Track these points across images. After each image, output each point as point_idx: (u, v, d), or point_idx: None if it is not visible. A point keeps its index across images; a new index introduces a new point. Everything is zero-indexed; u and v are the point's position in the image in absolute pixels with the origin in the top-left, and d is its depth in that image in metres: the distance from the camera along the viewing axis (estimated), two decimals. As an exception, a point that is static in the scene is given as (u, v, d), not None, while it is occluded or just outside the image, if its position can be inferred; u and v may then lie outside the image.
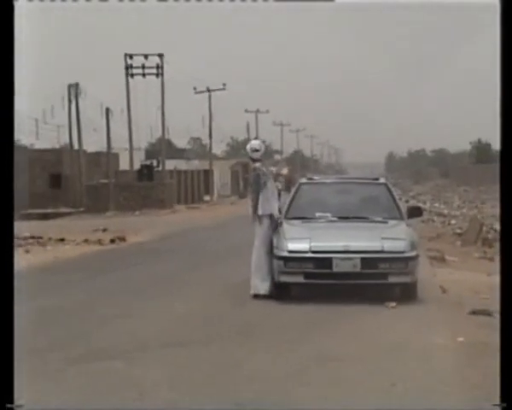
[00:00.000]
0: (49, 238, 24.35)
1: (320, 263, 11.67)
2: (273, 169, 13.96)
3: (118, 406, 6.53)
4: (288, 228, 12.26)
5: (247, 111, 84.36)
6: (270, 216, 12.66)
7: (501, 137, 4.90)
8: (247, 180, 13.47)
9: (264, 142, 14.08)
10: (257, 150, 12.74)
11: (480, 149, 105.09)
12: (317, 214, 12.75)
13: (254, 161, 12.65)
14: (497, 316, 11.25)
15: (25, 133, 47.84)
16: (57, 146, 51.15)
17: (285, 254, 11.76)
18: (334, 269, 11.63)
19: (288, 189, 13.84)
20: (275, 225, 12.54)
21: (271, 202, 12.74)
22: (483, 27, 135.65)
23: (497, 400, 4.95)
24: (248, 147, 13.11)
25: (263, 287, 12.14)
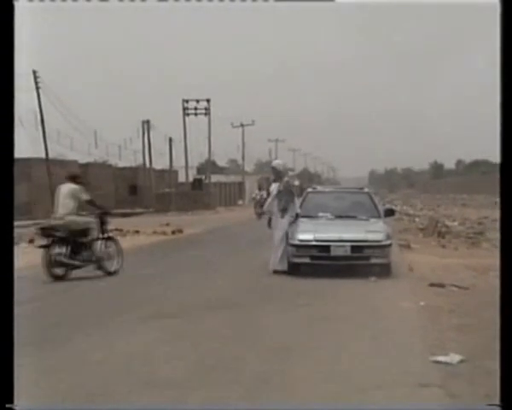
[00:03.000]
0: (128, 230, 25.02)
1: (321, 249, 12.18)
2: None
3: (174, 353, 6.45)
4: (298, 224, 12.81)
5: (269, 140, 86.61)
6: (297, 214, 13.14)
7: (501, 138, 4.06)
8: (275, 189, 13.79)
9: (284, 163, 14.54)
10: (279, 165, 13.24)
11: (436, 167, 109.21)
12: (320, 214, 13.28)
13: (278, 175, 13.01)
14: (449, 287, 10.86)
15: (111, 156, 48.76)
16: (134, 165, 51.68)
17: (296, 242, 12.31)
18: (332, 253, 12.11)
19: (299, 196, 14.14)
20: (290, 222, 12.89)
21: (292, 205, 13.19)
22: (483, 27, 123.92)
23: (497, 400, 4.12)
24: (273, 164, 13.72)
25: (280, 265, 12.49)
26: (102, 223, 12.63)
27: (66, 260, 11.88)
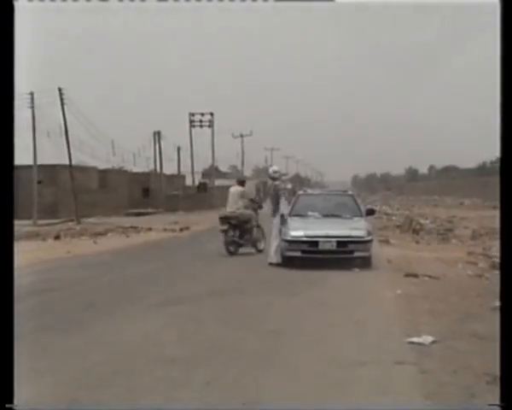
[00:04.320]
0: (142, 228, 25.02)
1: (311, 244, 12.15)
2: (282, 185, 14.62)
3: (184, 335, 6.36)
4: (290, 222, 12.79)
5: (265, 149, 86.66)
6: (282, 215, 13.15)
7: (501, 138, 3.70)
8: (267, 192, 13.96)
9: (280, 169, 14.71)
10: (275, 172, 13.28)
11: (410, 172, 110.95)
12: (309, 213, 13.19)
13: (274, 179, 13.12)
14: (423, 277, 10.78)
15: (127, 163, 48.97)
16: (147, 170, 51.76)
17: (289, 238, 12.32)
18: (320, 248, 12.09)
19: (291, 197, 14.19)
20: (284, 220, 12.88)
21: (283, 206, 13.35)
22: (483, 27, 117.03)
23: (497, 400, 3.77)
24: (270, 170, 13.78)
25: (276, 258, 12.50)
26: (256, 215, 14.95)
27: (237, 240, 14.56)
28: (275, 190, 13.26)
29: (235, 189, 14.99)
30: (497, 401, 3.53)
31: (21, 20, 4.28)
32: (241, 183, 15.29)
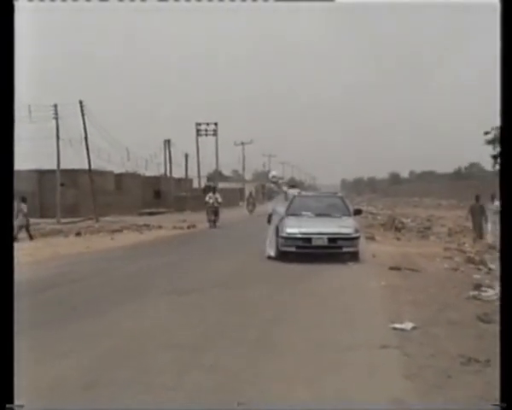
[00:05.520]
0: (153, 226, 24.85)
1: (304, 240, 12.13)
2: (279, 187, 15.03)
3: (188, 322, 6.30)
4: (286, 220, 12.70)
5: (264, 155, 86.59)
6: (271, 214, 13.43)
7: (501, 138, 3.39)
8: (265, 193, 14.24)
9: (278, 173, 15.00)
10: (274, 177, 13.32)
11: (393, 176, 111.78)
12: (303, 213, 13.09)
13: (272, 183, 13.19)
14: (405, 270, 10.73)
15: (140, 167, 49.06)
16: (158, 174, 51.81)
17: (285, 235, 12.24)
18: (313, 244, 12.06)
19: (287, 199, 14.25)
20: (280, 219, 12.78)
21: (280, 206, 13.49)
22: (483, 27, 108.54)
23: (497, 400, 3.48)
24: (270, 175, 13.76)
25: (272, 252, 12.51)
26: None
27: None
28: (268, 193, 13.43)
29: (291, 191, 15.64)
30: (498, 401, 3.35)
31: (21, 20, 4.02)
32: (293, 186, 16.60)
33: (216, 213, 23.98)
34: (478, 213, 17.25)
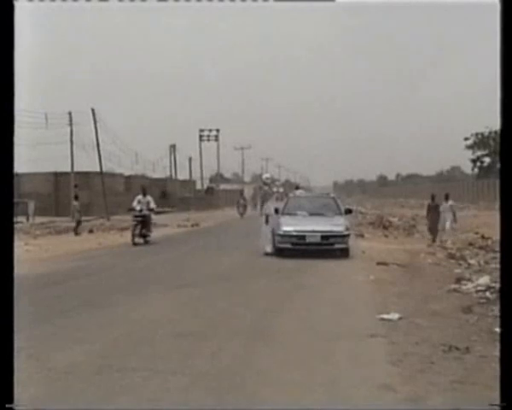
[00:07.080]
0: (160, 224, 24.38)
1: (299, 238, 12.10)
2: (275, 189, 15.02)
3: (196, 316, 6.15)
4: (282, 219, 12.66)
5: (261, 158, 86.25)
6: (267, 214, 13.31)
7: (501, 138, 3.17)
8: (263, 195, 14.17)
9: (271, 176, 15.05)
10: (267, 179, 13.33)
11: (381, 179, 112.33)
12: (298, 212, 13.02)
13: (267, 185, 13.19)
14: (392, 265, 10.71)
15: (148, 170, 49.10)
16: (164, 177, 51.82)
17: (281, 232, 12.24)
18: (307, 241, 12.05)
19: (283, 199, 14.24)
20: (277, 217, 12.79)
21: (276, 206, 13.39)
22: (483, 27, 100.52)
23: (497, 400, 3.14)
24: (263, 177, 13.79)
25: (269, 249, 12.45)
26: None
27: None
28: (262, 194, 13.38)
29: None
30: (498, 401, 3.11)
31: (21, 20, 3.72)
32: (298, 188, 17.10)
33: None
34: (433, 212, 16.65)
